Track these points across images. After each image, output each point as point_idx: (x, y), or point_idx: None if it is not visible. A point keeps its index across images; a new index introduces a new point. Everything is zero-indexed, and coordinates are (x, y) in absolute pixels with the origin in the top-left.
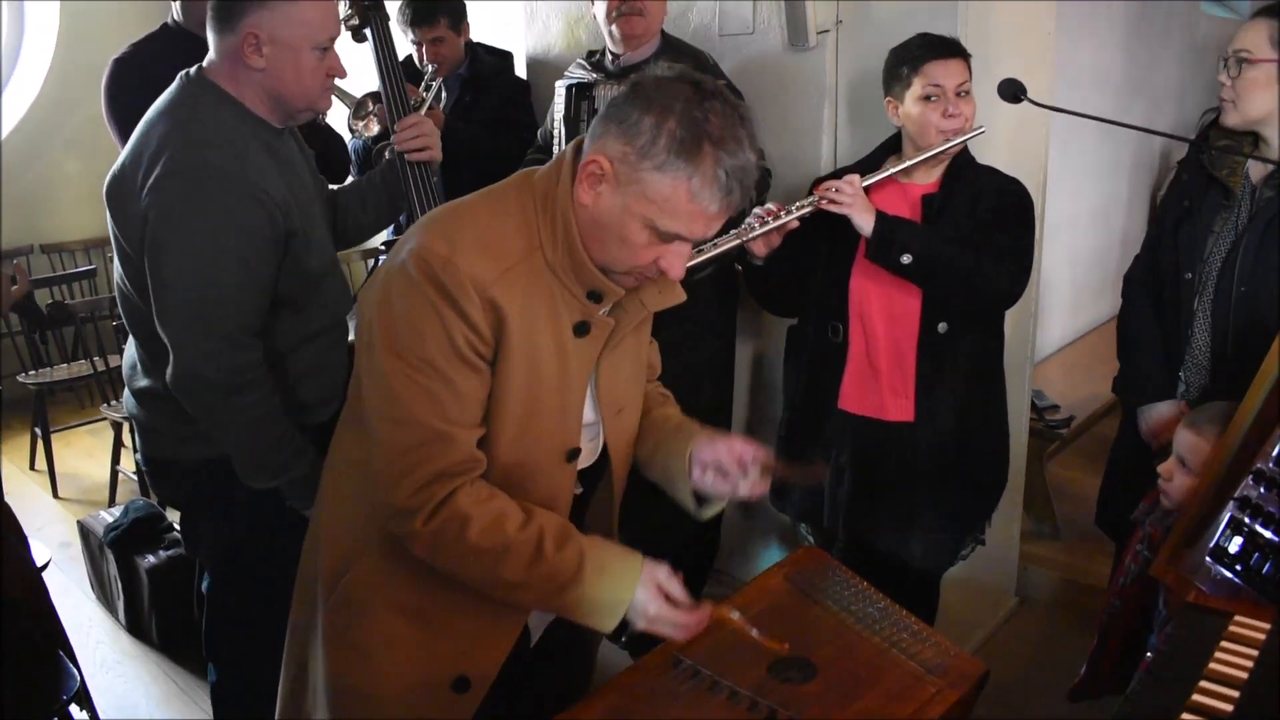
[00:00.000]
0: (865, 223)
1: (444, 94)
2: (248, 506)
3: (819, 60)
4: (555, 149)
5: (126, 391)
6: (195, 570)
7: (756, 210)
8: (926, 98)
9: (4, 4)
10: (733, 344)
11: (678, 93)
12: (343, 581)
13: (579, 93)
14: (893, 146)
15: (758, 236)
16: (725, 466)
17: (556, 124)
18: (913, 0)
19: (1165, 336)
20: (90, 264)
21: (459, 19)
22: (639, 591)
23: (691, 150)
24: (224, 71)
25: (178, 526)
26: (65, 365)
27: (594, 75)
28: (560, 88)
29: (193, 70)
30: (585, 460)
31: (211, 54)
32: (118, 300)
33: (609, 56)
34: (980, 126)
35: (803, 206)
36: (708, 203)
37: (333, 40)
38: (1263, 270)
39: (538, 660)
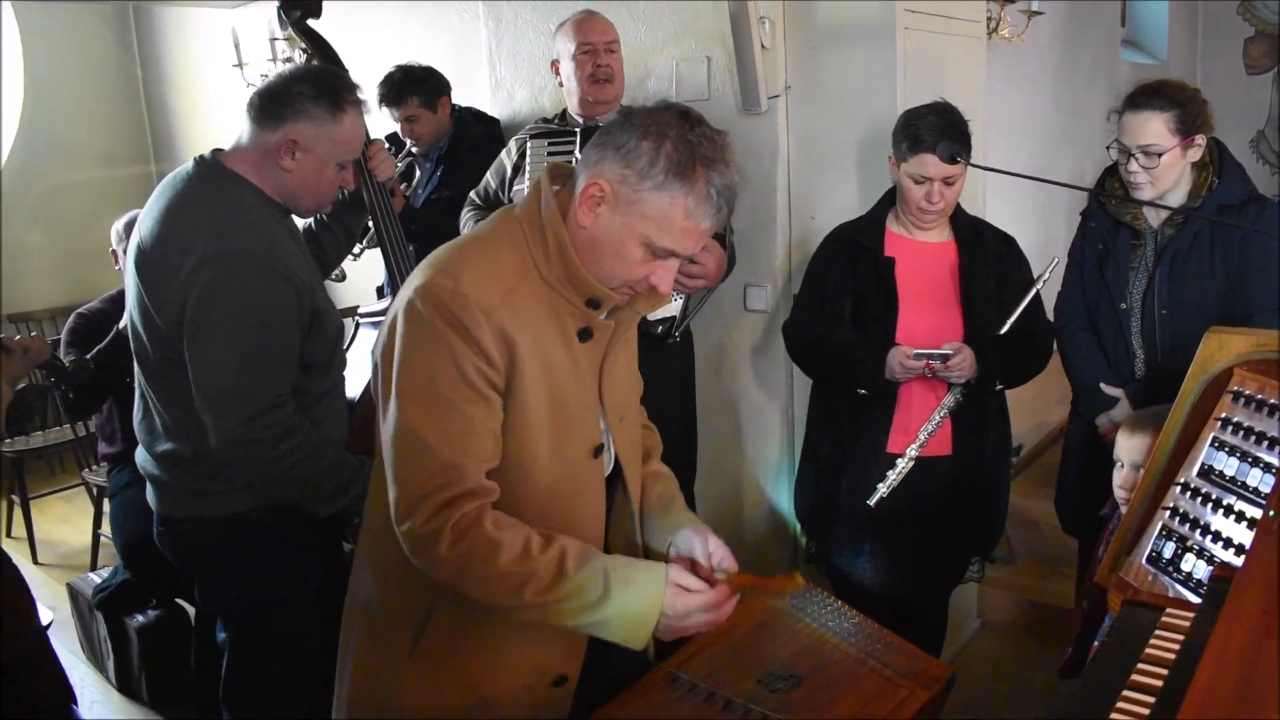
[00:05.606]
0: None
1: (417, 170)
2: (270, 559)
3: (771, 123)
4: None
5: (142, 453)
6: (193, 625)
7: (911, 364)
8: (915, 179)
9: None
10: (693, 391)
11: (670, 120)
12: (428, 630)
13: (550, 144)
14: (891, 199)
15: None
16: (698, 562)
17: (527, 173)
18: (855, 69)
19: (1109, 358)
20: (56, 333)
21: (434, 96)
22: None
23: (686, 171)
24: (250, 160)
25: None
26: (41, 433)
27: (569, 128)
28: (525, 141)
29: (208, 154)
30: (604, 469)
31: (241, 141)
32: (138, 368)
33: (572, 119)
34: (1055, 259)
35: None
36: (701, 219)
37: (354, 158)
38: (1178, 293)
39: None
